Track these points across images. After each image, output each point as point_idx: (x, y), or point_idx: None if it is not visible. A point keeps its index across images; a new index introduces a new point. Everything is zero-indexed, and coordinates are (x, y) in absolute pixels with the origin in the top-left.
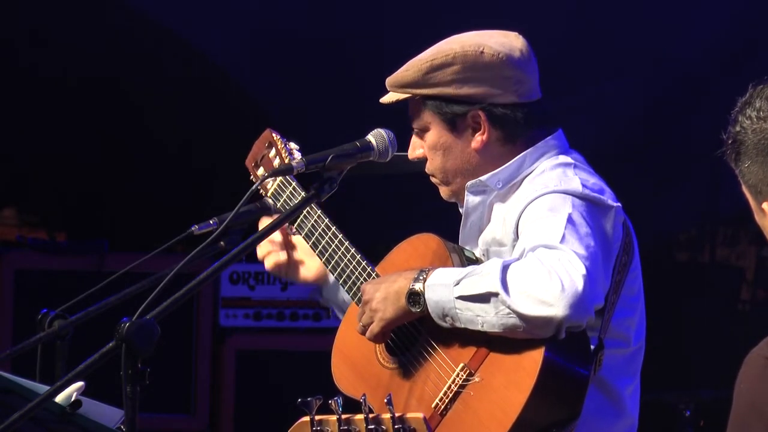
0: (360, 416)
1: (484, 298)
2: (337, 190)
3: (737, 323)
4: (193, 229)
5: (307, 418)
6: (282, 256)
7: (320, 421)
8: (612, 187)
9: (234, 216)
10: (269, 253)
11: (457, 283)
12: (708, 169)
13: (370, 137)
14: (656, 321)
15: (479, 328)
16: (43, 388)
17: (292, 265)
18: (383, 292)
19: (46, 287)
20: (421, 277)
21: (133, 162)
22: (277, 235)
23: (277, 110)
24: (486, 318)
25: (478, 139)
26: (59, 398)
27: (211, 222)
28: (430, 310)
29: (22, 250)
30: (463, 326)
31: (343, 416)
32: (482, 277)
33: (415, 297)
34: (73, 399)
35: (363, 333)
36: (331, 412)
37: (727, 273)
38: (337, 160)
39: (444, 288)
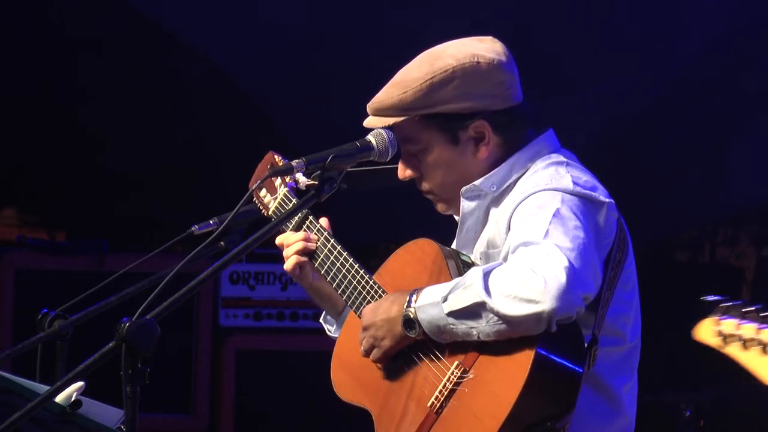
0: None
1: (472, 309)
2: (337, 191)
3: None
4: (193, 229)
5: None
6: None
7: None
8: (612, 187)
9: (234, 216)
10: (298, 250)
11: (445, 299)
12: (707, 169)
13: (371, 137)
14: (656, 321)
15: (476, 338)
16: (43, 388)
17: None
18: (380, 320)
19: (46, 287)
20: (412, 300)
21: (133, 162)
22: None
23: (278, 110)
24: (479, 328)
25: (483, 149)
26: (59, 398)
27: (211, 222)
28: (426, 332)
29: (22, 250)
30: (461, 339)
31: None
32: (466, 290)
33: (409, 323)
34: (73, 399)
35: (366, 356)
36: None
37: (727, 273)
38: (337, 160)
39: (433, 307)
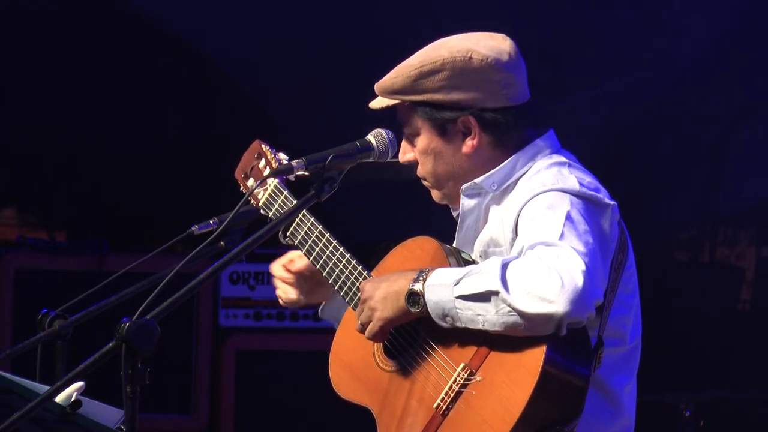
0: None
1: (484, 296)
2: (336, 191)
3: (737, 323)
4: (193, 229)
5: None
6: (291, 294)
7: None
8: (612, 187)
9: (234, 216)
10: (284, 290)
11: (457, 283)
12: (708, 169)
13: (370, 137)
14: (656, 321)
15: (480, 327)
16: (43, 388)
17: (303, 297)
18: (383, 291)
19: (46, 287)
20: (421, 278)
21: (133, 162)
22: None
23: (278, 110)
24: (487, 317)
25: (468, 144)
26: (59, 398)
27: (211, 222)
28: (429, 311)
29: (22, 250)
30: (463, 326)
31: None
32: (482, 276)
33: (414, 297)
34: (73, 399)
35: (361, 331)
36: None
37: (727, 273)
38: (336, 160)
39: (444, 288)
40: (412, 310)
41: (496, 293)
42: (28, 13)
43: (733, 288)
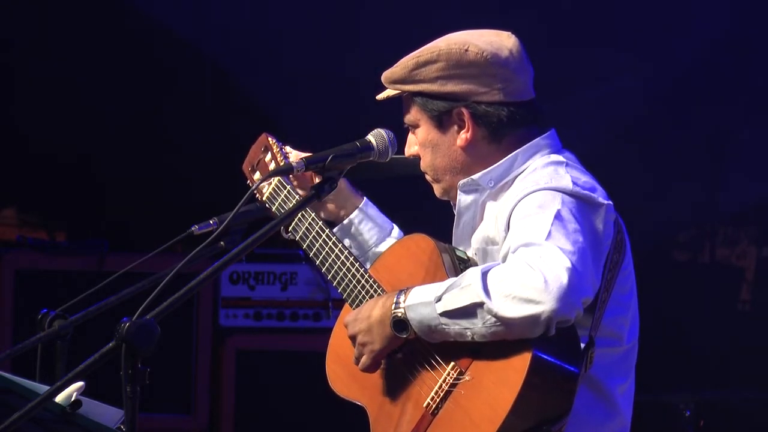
0: None
1: (469, 310)
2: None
3: (737, 323)
4: (193, 229)
5: None
6: None
7: None
8: (611, 188)
9: (234, 216)
10: None
11: (439, 299)
12: (708, 168)
13: (370, 137)
14: (656, 321)
15: (469, 339)
16: (43, 388)
17: None
18: (366, 324)
19: (46, 287)
20: (400, 301)
21: (133, 162)
22: None
23: (277, 109)
24: (475, 329)
25: (462, 137)
26: (59, 398)
27: (211, 222)
28: (417, 331)
29: (22, 250)
30: (453, 339)
31: None
32: (463, 290)
33: (400, 323)
34: (73, 399)
35: (356, 364)
36: None
37: (727, 273)
38: (337, 160)
39: (425, 306)
40: (402, 335)
41: (481, 305)
42: (30, 13)
43: (733, 288)
